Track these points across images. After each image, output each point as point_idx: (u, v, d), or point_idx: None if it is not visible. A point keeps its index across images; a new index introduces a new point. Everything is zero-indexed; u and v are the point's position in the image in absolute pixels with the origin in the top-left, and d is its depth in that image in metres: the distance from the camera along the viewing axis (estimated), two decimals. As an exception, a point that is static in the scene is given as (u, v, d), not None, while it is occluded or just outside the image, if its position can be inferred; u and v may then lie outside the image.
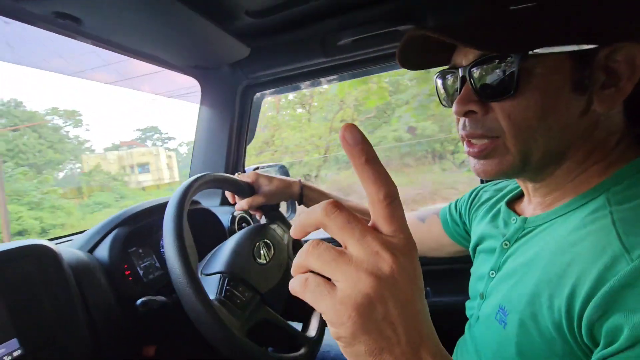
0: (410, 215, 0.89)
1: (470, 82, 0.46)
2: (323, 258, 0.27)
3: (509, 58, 0.42)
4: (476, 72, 0.45)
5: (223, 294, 0.62)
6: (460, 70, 0.47)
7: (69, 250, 0.65)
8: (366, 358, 0.26)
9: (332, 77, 1.13)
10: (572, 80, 0.41)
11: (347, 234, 0.26)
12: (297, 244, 0.91)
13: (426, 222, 0.84)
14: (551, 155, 0.45)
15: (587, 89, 0.42)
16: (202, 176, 0.71)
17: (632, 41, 0.39)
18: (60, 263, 0.57)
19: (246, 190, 0.86)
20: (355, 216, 0.27)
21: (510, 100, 0.43)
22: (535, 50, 0.40)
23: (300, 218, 0.29)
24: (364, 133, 0.27)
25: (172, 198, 0.64)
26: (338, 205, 0.27)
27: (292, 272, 0.29)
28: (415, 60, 0.53)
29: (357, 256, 0.26)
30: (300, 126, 8.05)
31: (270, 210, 0.92)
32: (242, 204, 0.86)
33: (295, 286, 0.28)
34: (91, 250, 0.70)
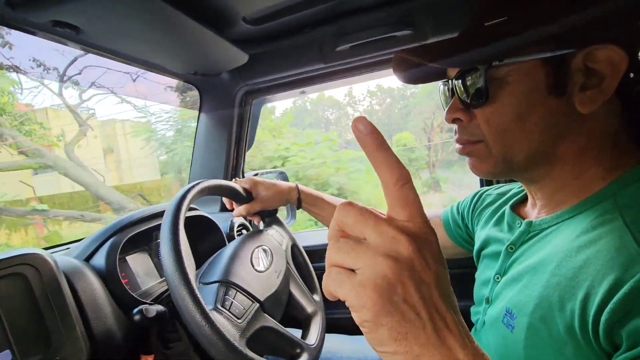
0: None
1: (457, 92, 0.50)
2: (343, 250, 0.27)
3: (480, 70, 0.45)
4: (459, 84, 0.49)
5: (221, 304, 0.62)
6: (450, 82, 0.51)
7: (65, 259, 0.65)
8: (391, 345, 0.25)
9: (330, 82, 1.13)
10: (546, 84, 0.44)
11: (363, 225, 0.27)
12: (295, 249, 0.90)
13: None
14: (537, 156, 0.47)
15: (565, 91, 0.43)
16: (198, 184, 0.71)
17: (609, 43, 0.41)
18: (56, 272, 0.57)
19: (243, 196, 0.86)
20: (367, 209, 0.28)
21: (488, 106, 0.47)
22: (501, 61, 0.44)
23: (329, 231, 0.30)
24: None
25: (169, 206, 0.63)
26: (350, 203, 0.28)
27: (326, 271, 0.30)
28: (411, 74, 0.56)
29: (374, 242, 0.27)
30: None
31: (268, 216, 0.91)
32: (239, 210, 0.86)
33: (323, 283, 0.29)
34: (88, 259, 0.70)
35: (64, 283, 0.58)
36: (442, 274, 0.27)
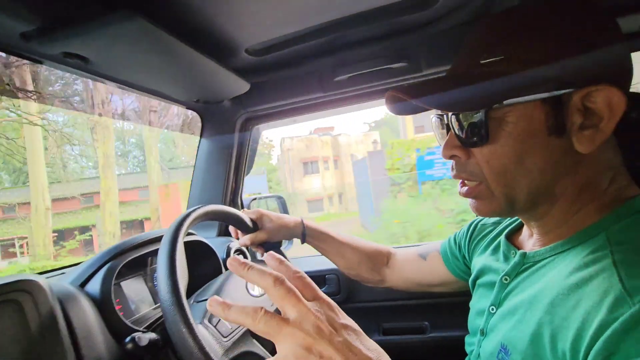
0: (411, 252, 0.87)
1: (453, 129, 0.48)
2: (269, 326, 0.35)
3: (479, 110, 0.44)
4: (456, 121, 0.47)
5: (208, 320, 0.62)
6: (445, 117, 0.50)
7: (60, 285, 0.65)
8: None
9: (328, 111, 1.16)
10: (546, 125, 0.43)
11: (286, 303, 0.36)
12: None
13: (428, 260, 0.83)
14: (538, 195, 0.46)
15: (565, 130, 0.43)
16: (205, 206, 0.72)
17: (606, 83, 0.40)
18: (51, 299, 0.56)
19: (249, 226, 0.86)
20: (294, 290, 0.37)
21: (487, 147, 0.46)
22: (501, 104, 0.43)
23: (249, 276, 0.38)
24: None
25: (173, 222, 0.64)
26: (281, 281, 0.37)
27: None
28: (405, 107, 0.55)
29: (293, 318, 0.35)
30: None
31: (271, 248, 0.91)
32: (244, 239, 0.86)
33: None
34: (83, 285, 0.69)
35: (58, 311, 0.57)
36: (349, 327, 0.37)
